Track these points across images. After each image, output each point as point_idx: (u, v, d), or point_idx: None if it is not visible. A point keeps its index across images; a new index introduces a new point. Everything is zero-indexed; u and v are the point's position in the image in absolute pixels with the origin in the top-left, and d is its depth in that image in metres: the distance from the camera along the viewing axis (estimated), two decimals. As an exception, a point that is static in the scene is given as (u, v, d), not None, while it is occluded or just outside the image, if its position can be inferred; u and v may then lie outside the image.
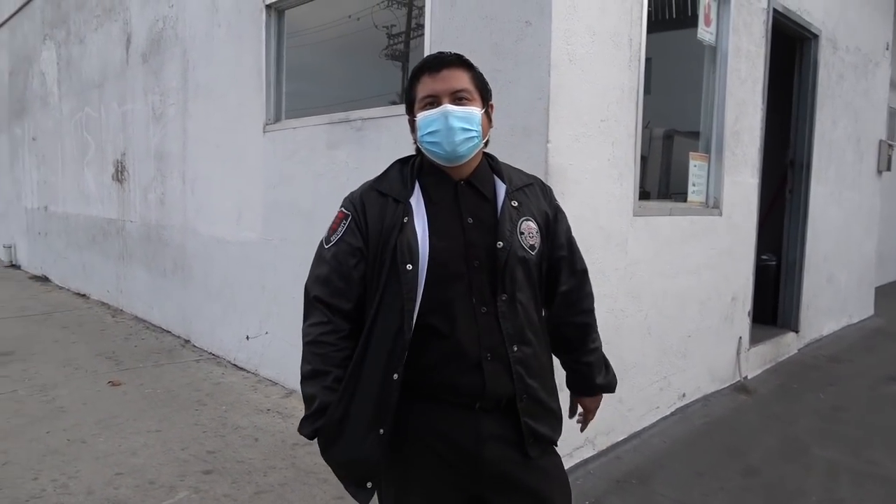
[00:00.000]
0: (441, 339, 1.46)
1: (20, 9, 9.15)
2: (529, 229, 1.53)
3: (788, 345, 5.43)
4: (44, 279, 8.82)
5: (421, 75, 1.51)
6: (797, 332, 5.53)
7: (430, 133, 1.47)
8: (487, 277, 1.48)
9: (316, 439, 1.53)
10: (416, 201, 1.51)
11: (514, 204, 1.53)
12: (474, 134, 1.49)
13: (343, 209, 1.57)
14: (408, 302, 1.43)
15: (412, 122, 1.54)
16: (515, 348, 1.48)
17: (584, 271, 1.70)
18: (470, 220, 1.51)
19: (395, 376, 1.44)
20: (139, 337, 5.75)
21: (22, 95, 9.37)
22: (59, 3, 7.90)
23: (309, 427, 1.52)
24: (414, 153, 1.62)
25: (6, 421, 3.69)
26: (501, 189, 1.55)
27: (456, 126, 1.46)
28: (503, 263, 1.47)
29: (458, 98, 1.48)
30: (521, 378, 1.49)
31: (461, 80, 1.50)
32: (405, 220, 1.47)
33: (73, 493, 2.88)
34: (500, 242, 1.48)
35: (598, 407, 1.83)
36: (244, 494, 2.91)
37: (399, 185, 1.53)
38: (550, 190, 1.68)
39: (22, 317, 6.47)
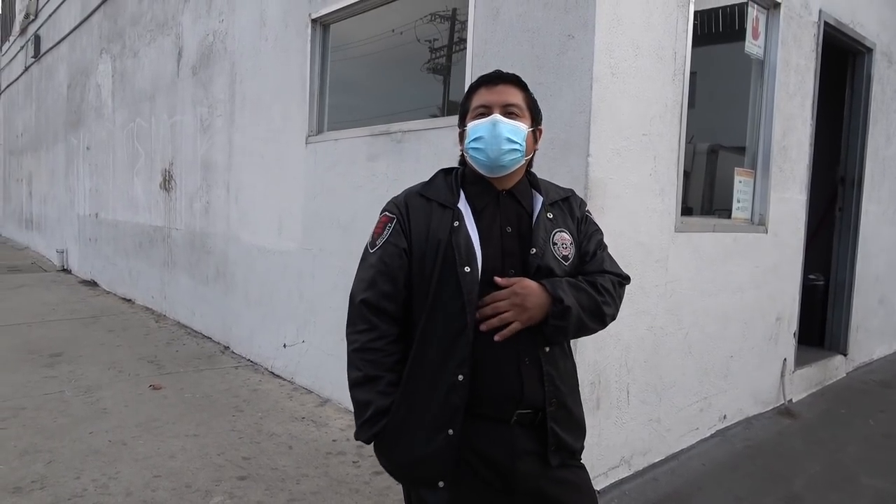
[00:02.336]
0: (484, 344, 1.48)
1: (80, 24, 9.56)
2: (563, 240, 1.57)
3: (836, 368, 5.23)
4: (92, 284, 9.11)
5: (478, 88, 1.58)
6: (846, 355, 5.33)
7: (475, 139, 1.52)
8: None
9: (374, 444, 1.55)
10: (464, 208, 1.55)
11: (550, 216, 1.57)
12: (518, 147, 1.52)
13: (387, 212, 1.59)
14: (469, 304, 1.46)
15: (462, 133, 1.60)
16: (547, 349, 1.52)
17: (618, 276, 1.62)
18: (508, 230, 1.55)
19: (461, 377, 1.46)
20: (181, 342, 5.88)
21: (78, 107, 9.75)
22: (115, 18, 8.23)
23: (368, 432, 1.53)
24: (457, 165, 1.65)
25: (53, 420, 3.81)
26: (538, 201, 1.59)
27: (502, 135, 1.50)
28: (534, 269, 1.50)
29: (508, 112, 1.54)
30: (552, 380, 1.51)
31: (515, 96, 1.56)
32: (456, 223, 1.51)
33: (112, 493, 2.95)
34: (534, 249, 1.52)
35: (519, 301, 1.45)
36: (277, 501, 2.93)
37: (445, 191, 1.58)
38: (583, 202, 1.70)
39: (71, 319, 6.69)
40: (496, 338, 1.46)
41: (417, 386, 1.50)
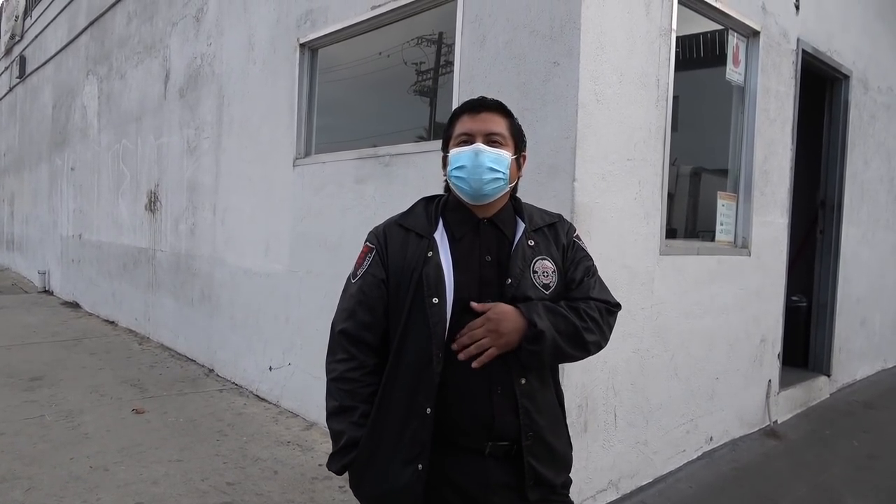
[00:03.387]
0: (455, 373, 1.46)
1: (66, 45, 9.56)
2: (544, 268, 1.54)
3: (820, 389, 5.28)
4: (75, 305, 9.00)
5: (461, 115, 1.57)
6: (829, 375, 5.38)
7: (458, 168, 1.52)
8: None
9: (346, 475, 1.54)
10: (440, 237, 1.54)
11: (531, 243, 1.55)
12: (501, 176, 1.52)
13: (368, 243, 1.61)
14: (436, 335, 1.45)
15: (445, 159, 1.58)
16: (523, 381, 1.48)
17: (605, 303, 1.56)
18: (488, 259, 1.53)
19: (428, 410, 1.45)
20: (164, 365, 5.81)
21: (64, 128, 9.71)
22: (102, 40, 8.24)
23: (338, 463, 1.53)
24: (442, 191, 1.66)
25: (32, 446, 3.74)
26: (521, 229, 1.57)
27: (484, 165, 1.50)
28: (509, 299, 1.47)
29: (491, 140, 1.53)
30: (528, 413, 1.47)
31: (498, 124, 1.55)
32: (429, 254, 1.50)
33: (94, 521, 2.89)
34: (509, 279, 1.49)
35: (493, 326, 1.43)
36: (262, 528, 2.89)
37: (423, 220, 1.57)
38: (571, 227, 1.67)
39: (52, 342, 6.59)
40: (473, 365, 1.44)
41: (386, 418, 1.49)
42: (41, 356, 5.93)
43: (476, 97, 1.61)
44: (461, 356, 1.45)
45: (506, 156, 1.53)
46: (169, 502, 3.10)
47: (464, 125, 1.55)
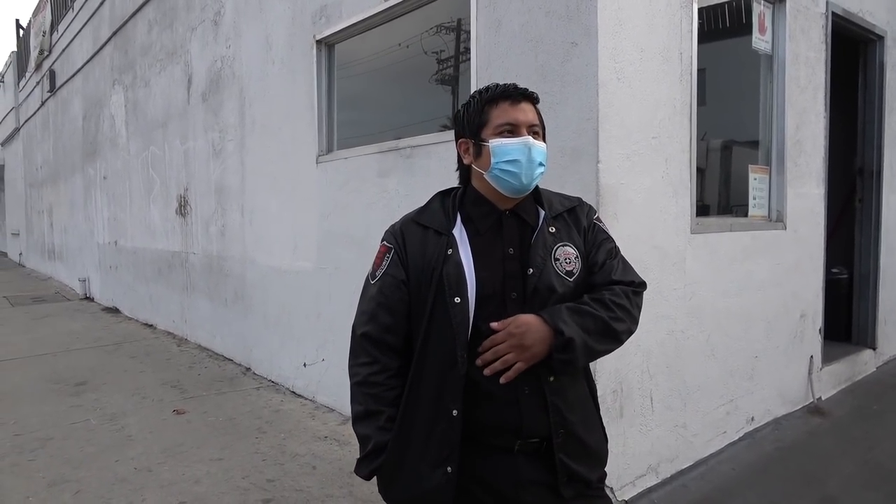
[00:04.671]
0: (480, 373, 1.42)
1: (92, 57, 9.75)
2: (566, 255, 1.48)
3: (865, 363, 5.12)
4: (114, 311, 9.23)
5: (500, 101, 1.48)
6: (874, 348, 5.22)
7: (508, 161, 1.45)
8: (523, 308, 1.43)
9: (375, 479, 1.53)
10: (459, 233, 1.49)
11: (552, 230, 1.50)
12: (543, 170, 1.49)
13: (385, 242, 1.57)
14: (460, 335, 1.41)
15: (479, 146, 1.49)
16: (552, 378, 1.43)
17: (630, 284, 1.50)
18: (511, 251, 1.48)
19: (455, 412, 1.42)
20: (203, 365, 5.92)
21: (94, 138, 9.92)
22: (126, 49, 8.37)
23: (366, 468, 1.52)
24: (457, 184, 1.61)
25: (79, 450, 3.84)
26: (541, 216, 1.53)
27: (536, 159, 1.46)
28: (532, 290, 1.43)
29: (533, 132, 1.48)
30: (558, 411, 1.43)
31: (535, 115, 1.51)
32: (449, 251, 1.46)
33: (140, 521, 2.96)
34: (531, 269, 1.44)
35: (517, 341, 1.37)
36: (303, 524, 2.92)
37: (441, 217, 1.52)
38: (591, 209, 1.62)
39: (95, 347, 6.77)
40: (501, 380, 1.39)
41: (413, 421, 1.46)
42: (85, 361, 6.10)
43: (506, 83, 1.53)
44: (486, 372, 1.40)
45: (546, 149, 1.50)
46: (211, 501, 3.16)
47: (506, 114, 1.47)
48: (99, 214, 9.92)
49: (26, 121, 15.97)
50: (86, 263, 10.82)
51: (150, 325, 7.97)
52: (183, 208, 6.92)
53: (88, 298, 10.53)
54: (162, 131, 7.33)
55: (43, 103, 13.51)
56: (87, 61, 10.01)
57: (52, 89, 12.32)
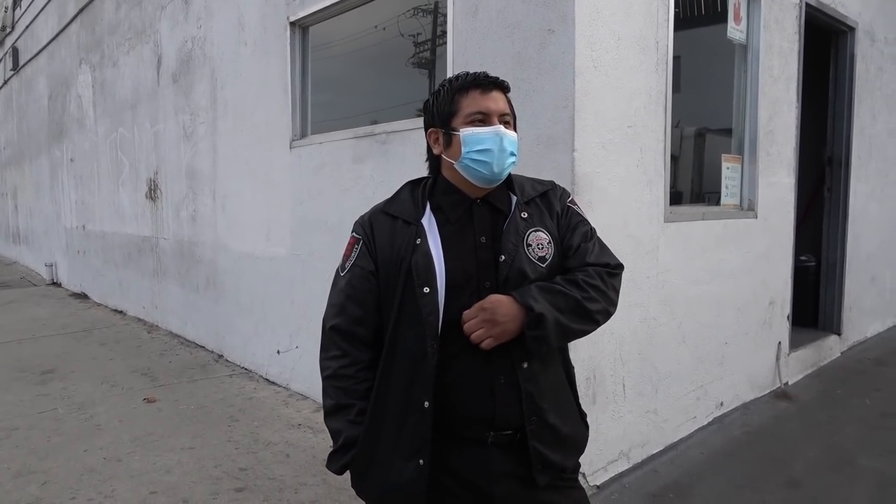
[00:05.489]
0: (455, 363, 1.42)
1: (58, 35, 9.44)
2: (539, 240, 1.46)
3: (831, 348, 5.25)
4: (83, 296, 9.04)
5: (470, 90, 1.46)
6: (839, 334, 5.35)
7: (480, 151, 1.43)
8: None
9: (348, 474, 1.51)
10: (429, 222, 1.47)
11: (524, 216, 1.48)
12: (515, 160, 1.48)
13: (354, 234, 1.55)
14: (429, 326, 1.40)
15: (449, 135, 1.47)
16: (525, 365, 1.42)
17: (605, 266, 1.48)
18: (483, 240, 1.46)
19: (426, 404, 1.40)
20: (174, 353, 5.83)
21: (60, 118, 9.65)
22: (93, 27, 8.13)
23: (337, 463, 1.51)
24: (427, 174, 1.59)
25: (46, 440, 3.77)
26: (514, 202, 1.51)
27: (507, 149, 1.44)
28: (504, 278, 1.42)
29: (504, 122, 1.46)
30: (531, 398, 1.42)
31: (506, 104, 1.49)
32: (418, 241, 1.44)
33: (109, 512, 2.92)
34: (503, 256, 1.43)
35: (488, 315, 1.36)
36: (276, 512, 2.91)
37: (410, 206, 1.50)
38: (565, 192, 1.60)
39: (63, 334, 6.63)
40: (482, 346, 1.38)
41: (384, 413, 1.45)
42: (52, 349, 5.97)
43: (477, 72, 1.51)
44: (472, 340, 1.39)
45: (516, 137, 1.48)
46: (182, 490, 3.12)
47: (476, 103, 1.44)
48: (66, 197, 9.67)
49: (-12, 100, 15.46)
50: (52, 248, 10.57)
51: (120, 312, 7.83)
52: (153, 192, 6.78)
53: (55, 284, 10.30)
54: (131, 113, 7.15)
55: (6, 82, 13.09)
56: (53, 39, 9.69)
57: (16, 67, 11.93)
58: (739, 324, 4.06)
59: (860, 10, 5.22)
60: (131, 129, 7.18)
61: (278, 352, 4.78)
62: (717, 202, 4.00)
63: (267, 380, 4.90)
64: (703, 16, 4.08)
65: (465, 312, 1.39)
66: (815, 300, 5.43)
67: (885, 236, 5.97)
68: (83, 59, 8.51)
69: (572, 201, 1.59)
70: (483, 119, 1.44)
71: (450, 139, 1.47)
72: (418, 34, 4.14)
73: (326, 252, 4.18)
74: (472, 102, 1.45)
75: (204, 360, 5.55)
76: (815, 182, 5.65)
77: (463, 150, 1.44)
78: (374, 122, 4.01)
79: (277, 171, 4.68)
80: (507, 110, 1.49)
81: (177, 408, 4.31)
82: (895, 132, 6.04)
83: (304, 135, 4.51)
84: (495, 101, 1.46)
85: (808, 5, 4.48)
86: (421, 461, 1.40)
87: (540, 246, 1.46)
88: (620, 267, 1.53)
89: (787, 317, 4.60)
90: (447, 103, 1.48)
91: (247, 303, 5.18)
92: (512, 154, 1.46)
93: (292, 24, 4.44)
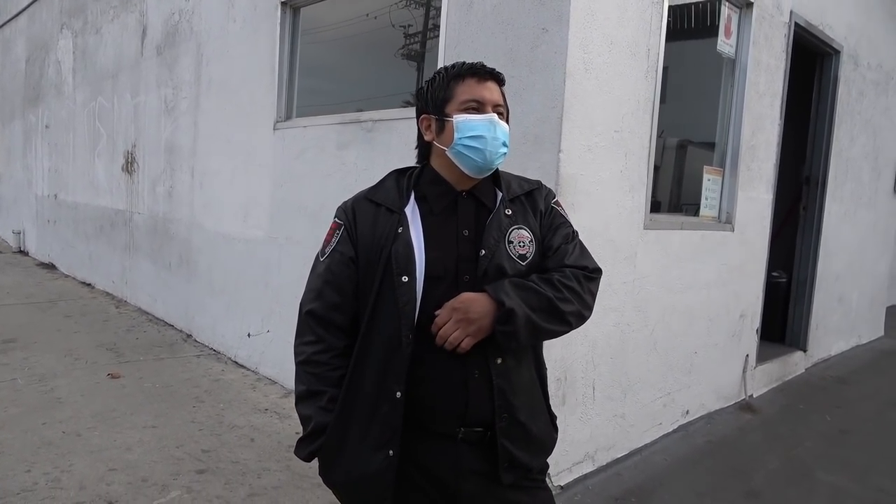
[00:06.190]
0: (429, 356, 1.40)
1: (39, -4, 9.19)
2: (521, 238, 1.46)
3: (796, 364, 5.35)
4: (51, 266, 8.84)
5: (465, 77, 1.45)
6: (805, 351, 5.45)
7: (472, 138, 1.42)
8: (474, 290, 1.40)
9: (315, 462, 1.49)
10: (412, 212, 1.46)
11: (508, 213, 1.47)
12: (506, 151, 1.46)
13: (336, 219, 1.53)
14: (405, 316, 1.38)
15: (442, 122, 1.46)
16: (499, 360, 1.42)
17: (583, 269, 1.47)
18: (465, 233, 1.45)
19: (398, 394, 1.39)
20: (141, 329, 5.73)
21: (37, 83, 9.40)
22: (76, -8, 7.92)
23: (305, 449, 1.48)
24: (415, 163, 1.57)
25: (3, 410, 3.67)
26: (499, 198, 1.51)
27: (500, 138, 1.44)
28: (483, 272, 1.40)
29: (498, 112, 1.46)
30: (503, 394, 1.41)
31: (500, 95, 1.49)
32: (399, 230, 1.42)
33: (64, 487, 2.86)
34: (483, 251, 1.42)
35: (461, 316, 1.35)
36: (237, 497, 2.87)
37: (394, 194, 1.49)
38: (550, 193, 1.59)
39: (27, 304, 6.48)
40: (458, 351, 1.37)
41: (355, 402, 1.43)
42: (15, 318, 5.83)
43: (473, 61, 1.49)
44: (446, 347, 1.37)
45: (509, 131, 1.48)
46: (142, 469, 3.07)
47: (472, 91, 1.44)
48: (39, 165, 9.43)
49: (-37, 59, 15.01)
50: (21, 215, 10.30)
51: (88, 285, 7.67)
52: (130, 165, 6.64)
53: (22, 252, 10.05)
54: (112, 82, 6.99)
55: (-17, 42, 12.70)
56: (34, 1, 9.43)
57: (-6, 28, 11.59)
58: (710, 334, 4.11)
59: (846, 34, 5.30)
60: (111, 100, 7.02)
61: (249, 335, 4.72)
62: (696, 213, 4.04)
63: (235, 362, 4.84)
64: (693, 28, 4.11)
65: (436, 319, 1.37)
66: (783, 316, 5.52)
67: (854, 257, 6.10)
68: (65, 23, 8.29)
69: (557, 202, 1.59)
70: (477, 107, 1.44)
71: (442, 125, 1.46)
72: (409, 25, 4.11)
73: (305, 237, 4.14)
74: (468, 90, 1.44)
75: (172, 338, 5.46)
76: (791, 199, 5.74)
77: (455, 136, 1.43)
78: (359, 111, 3.97)
79: (259, 153, 4.61)
80: (502, 101, 1.48)
81: (141, 385, 4.24)
82: (871, 156, 6.16)
83: (288, 117, 4.45)
84: (490, 90, 1.46)
85: (797, 25, 4.54)
86: (390, 452, 1.39)
87: (521, 244, 1.45)
88: (598, 272, 1.52)
89: (756, 330, 4.67)
90: (442, 89, 1.47)
91: (219, 283, 5.11)
92: (504, 144, 1.45)
93: (283, 3, 4.37)
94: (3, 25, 11.20)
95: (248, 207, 4.74)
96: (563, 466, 3.05)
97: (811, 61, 5.32)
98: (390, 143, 3.57)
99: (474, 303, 1.36)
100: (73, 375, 4.35)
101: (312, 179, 4.12)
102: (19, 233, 10.17)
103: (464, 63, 1.48)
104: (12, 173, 10.89)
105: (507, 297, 1.35)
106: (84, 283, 7.77)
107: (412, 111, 3.59)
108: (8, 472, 2.96)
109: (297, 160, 4.25)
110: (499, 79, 1.49)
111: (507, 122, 1.50)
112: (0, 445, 3.22)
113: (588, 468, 3.21)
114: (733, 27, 4.03)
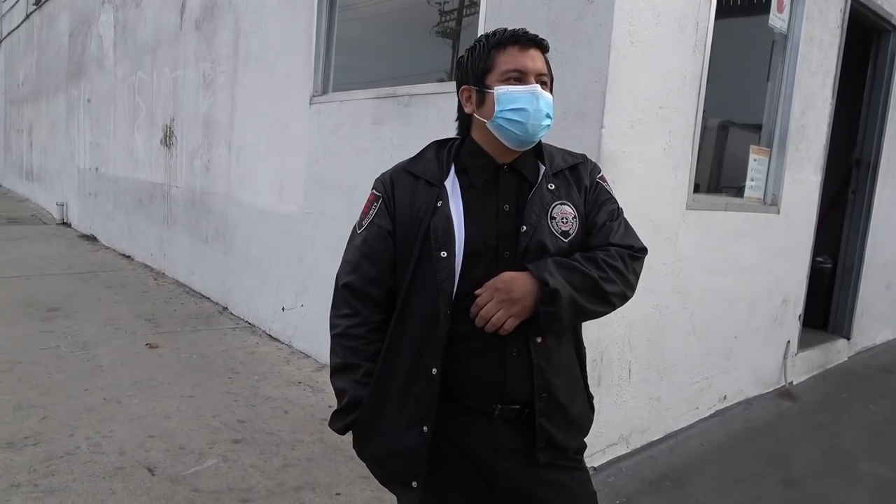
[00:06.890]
0: (467, 332, 1.36)
1: (81, -29, 9.31)
2: (564, 214, 1.40)
3: (839, 352, 5.19)
4: (92, 238, 9.06)
5: (507, 46, 1.38)
6: (849, 338, 5.28)
7: (514, 110, 1.36)
8: (514, 268, 1.36)
9: (350, 435, 1.49)
10: (452, 185, 1.42)
11: (551, 187, 1.42)
12: (550, 122, 1.40)
13: (374, 191, 1.49)
14: (443, 292, 1.35)
15: (482, 93, 1.40)
16: (539, 340, 1.37)
17: (628, 248, 1.42)
18: (506, 207, 1.40)
19: (434, 371, 1.36)
20: (179, 301, 5.84)
21: (80, 58, 9.56)
22: (117, -34, 7.99)
23: (340, 422, 1.47)
24: (455, 136, 1.52)
25: (48, 376, 3.78)
26: (541, 172, 1.45)
27: (543, 110, 1.37)
28: (523, 249, 1.36)
29: (542, 82, 1.39)
30: (542, 373, 1.37)
31: (544, 64, 1.41)
32: (439, 203, 1.38)
33: (105, 452, 2.93)
34: (524, 227, 1.37)
35: (504, 296, 1.31)
36: (271, 466, 2.91)
37: (434, 167, 1.44)
38: (596, 167, 1.53)
39: (70, 274, 6.65)
40: (501, 331, 1.33)
41: (391, 377, 1.40)
42: (58, 288, 5.99)
43: (516, 28, 1.42)
44: (487, 329, 1.33)
45: (553, 101, 1.41)
46: (180, 437, 3.13)
47: (514, 60, 1.37)
48: (81, 138, 9.63)
49: (9, 33, 15.37)
50: (64, 188, 10.57)
51: (128, 257, 7.84)
52: (168, 139, 6.72)
53: (65, 224, 10.32)
54: (151, 56, 7.06)
55: (28, 16, 12.97)
56: (76, -24, 9.57)
57: (38, 2, 11.81)
58: (750, 319, 4.00)
59: (906, 9, 5.04)
60: (150, 74, 7.10)
61: (283, 309, 4.76)
62: (738, 194, 3.91)
63: (270, 336, 4.90)
64: (743, 4, 3.94)
65: (478, 300, 1.33)
66: (827, 302, 5.35)
67: (904, 244, 5.86)
68: (106, -2, 8.39)
69: (602, 177, 1.53)
70: (519, 77, 1.37)
71: (483, 97, 1.40)
72: (445, 2, 4.04)
73: (339, 212, 4.13)
74: (509, 59, 1.38)
75: (208, 311, 5.55)
76: (840, 182, 5.52)
77: (496, 108, 1.37)
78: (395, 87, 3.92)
79: (295, 127, 4.61)
80: (545, 70, 1.41)
81: (179, 356, 4.32)
82: (927, 139, 5.88)
83: (325, 91, 4.43)
84: (533, 59, 1.38)
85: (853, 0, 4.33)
86: (425, 428, 1.37)
87: (564, 220, 1.40)
88: (644, 251, 1.46)
89: (799, 316, 4.54)
90: (483, 59, 1.40)
91: (254, 257, 5.16)
92: (548, 116, 1.38)
93: (321, -24, 4.33)
94: (47, 1, 11.40)
95: (284, 182, 4.75)
96: (597, 448, 3.01)
97: (867, 38, 5.08)
98: (427, 118, 3.52)
99: (516, 282, 1.31)
100: (113, 344, 4.45)
101: (347, 154, 4.10)
102: (63, 205, 10.44)
103: (505, 30, 1.41)
104: (56, 146, 11.15)
105: (550, 277, 1.30)
106: (123, 255, 7.95)
107: (450, 85, 3.53)
108: (53, 435, 3.05)
109: (333, 135, 4.24)
110: (542, 46, 1.42)
111: (552, 91, 1.44)
112: (45, 410, 3.32)
113: (622, 450, 3.17)
114: (787, 0, 3.85)
